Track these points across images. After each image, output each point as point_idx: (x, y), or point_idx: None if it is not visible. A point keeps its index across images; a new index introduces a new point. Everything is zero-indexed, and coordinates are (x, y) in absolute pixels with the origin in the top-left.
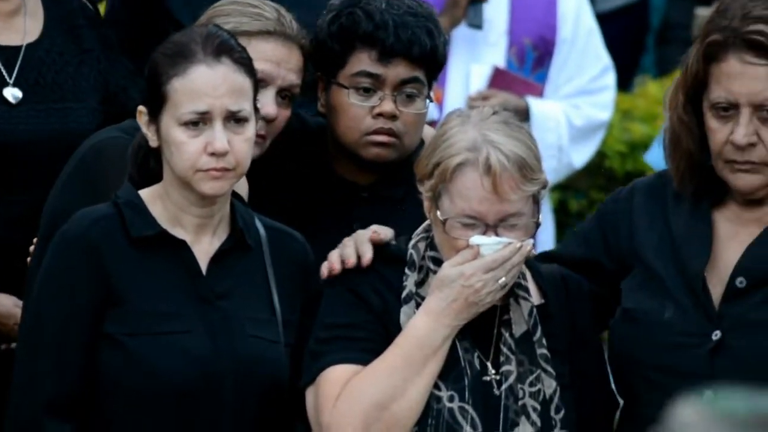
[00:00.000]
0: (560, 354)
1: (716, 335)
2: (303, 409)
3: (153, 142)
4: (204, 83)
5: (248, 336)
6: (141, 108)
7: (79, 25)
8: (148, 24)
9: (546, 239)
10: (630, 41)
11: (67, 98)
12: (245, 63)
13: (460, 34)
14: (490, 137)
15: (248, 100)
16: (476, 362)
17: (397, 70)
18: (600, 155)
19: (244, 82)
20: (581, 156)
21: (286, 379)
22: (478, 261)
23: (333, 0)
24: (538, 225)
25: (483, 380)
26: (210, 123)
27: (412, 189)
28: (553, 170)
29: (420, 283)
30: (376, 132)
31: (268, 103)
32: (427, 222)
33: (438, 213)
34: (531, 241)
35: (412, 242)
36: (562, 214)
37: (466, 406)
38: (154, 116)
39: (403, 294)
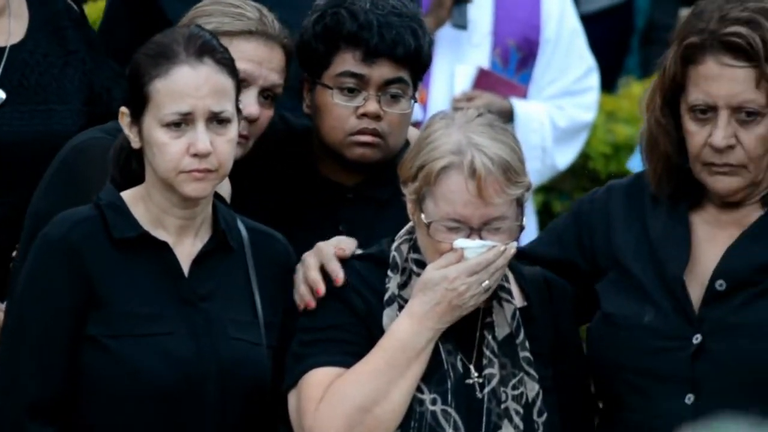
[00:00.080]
0: (543, 357)
1: (697, 339)
2: (285, 412)
3: (135, 144)
4: (186, 84)
5: (231, 338)
6: (123, 109)
7: (64, 26)
8: (148, 25)
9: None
10: (614, 42)
11: (50, 100)
12: (227, 63)
13: (445, 35)
14: (474, 140)
15: (231, 100)
16: (459, 365)
17: (382, 71)
18: (584, 156)
19: (227, 82)
20: (565, 157)
21: (269, 381)
22: (462, 264)
23: (318, 0)
24: (522, 228)
25: (466, 383)
26: (192, 124)
27: (398, 190)
28: (536, 171)
29: (403, 286)
30: (361, 132)
31: (250, 103)
32: (410, 224)
33: (422, 216)
34: (515, 244)
35: (395, 244)
36: (545, 216)
37: (449, 409)
38: (137, 117)
39: (386, 296)
